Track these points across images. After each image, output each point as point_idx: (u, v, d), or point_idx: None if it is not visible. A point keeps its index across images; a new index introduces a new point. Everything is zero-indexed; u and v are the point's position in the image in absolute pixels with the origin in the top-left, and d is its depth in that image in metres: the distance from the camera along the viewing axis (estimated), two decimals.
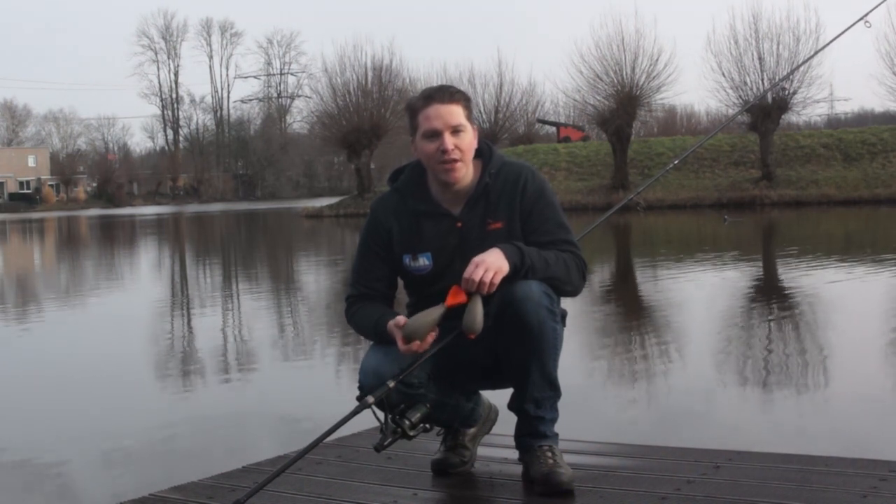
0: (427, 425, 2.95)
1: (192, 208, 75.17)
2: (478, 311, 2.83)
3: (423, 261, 3.04)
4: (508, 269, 2.86)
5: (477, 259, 2.85)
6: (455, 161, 2.98)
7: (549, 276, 2.94)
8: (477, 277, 2.82)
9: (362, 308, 3.07)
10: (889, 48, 40.14)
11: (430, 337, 2.85)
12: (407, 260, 3.07)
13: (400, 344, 2.86)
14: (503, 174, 3.06)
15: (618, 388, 6.65)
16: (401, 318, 2.90)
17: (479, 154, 3.09)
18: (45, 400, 6.94)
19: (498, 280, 2.84)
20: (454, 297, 2.87)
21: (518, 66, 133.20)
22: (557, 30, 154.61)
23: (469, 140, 3.01)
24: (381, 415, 2.90)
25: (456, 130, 2.98)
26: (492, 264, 2.84)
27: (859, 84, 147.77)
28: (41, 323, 11.75)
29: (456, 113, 2.99)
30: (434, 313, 2.85)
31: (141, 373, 7.89)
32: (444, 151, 2.96)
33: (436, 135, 2.98)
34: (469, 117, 3.02)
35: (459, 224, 3.04)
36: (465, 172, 3.03)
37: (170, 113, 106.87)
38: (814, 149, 41.13)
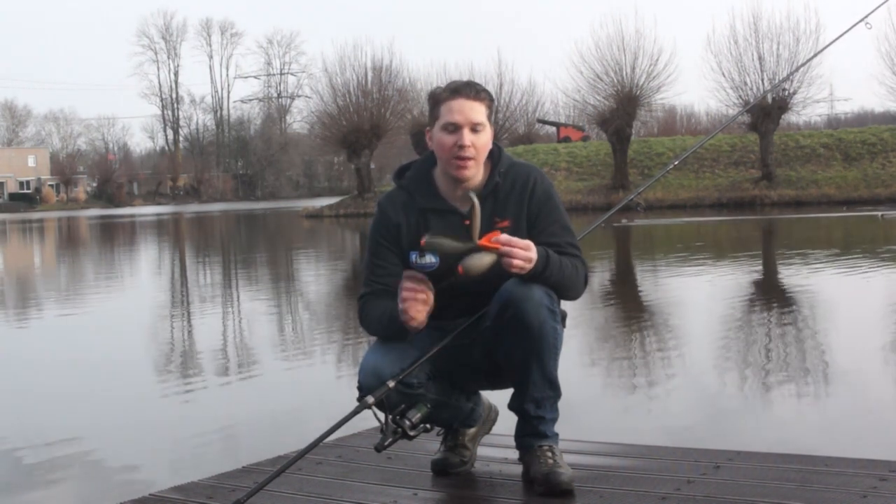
0: (427, 425, 2.94)
1: (192, 208, 75.14)
2: (486, 261, 2.81)
3: (430, 258, 3.03)
4: (528, 270, 2.86)
5: (527, 244, 2.84)
6: (469, 159, 2.98)
7: (557, 282, 2.94)
8: (515, 258, 2.81)
9: (376, 304, 3.04)
10: (889, 48, 40.31)
11: (429, 308, 2.86)
12: (413, 257, 3.04)
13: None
14: (512, 174, 3.06)
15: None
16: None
17: (489, 154, 3.09)
18: (43, 400, 6.95)
19: (518, 272, 2.84)
20: (489, 240, 2.83)
21: (518, 66, 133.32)
22: (558, 30, 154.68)
23: (486, 140, 3.02)
24: (381, 415, 2.89)
25: (475, 128, 2.98)
26: (528, 261, 2.84)
27: (859, 84, 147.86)
28: (43, 323, 11.75)
29: (478, 111, 2.99)
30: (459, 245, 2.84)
31: (142, 373, 7.89)
32: (461, 147, 2.97)
33: (456, 129, 2.98)
34: (489, 117, 3.03)
35: (467, 221, 3.03)
36: (476, 172, 3.03)
37: (170, 113, 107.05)
38: (814, 149, 41.16)
